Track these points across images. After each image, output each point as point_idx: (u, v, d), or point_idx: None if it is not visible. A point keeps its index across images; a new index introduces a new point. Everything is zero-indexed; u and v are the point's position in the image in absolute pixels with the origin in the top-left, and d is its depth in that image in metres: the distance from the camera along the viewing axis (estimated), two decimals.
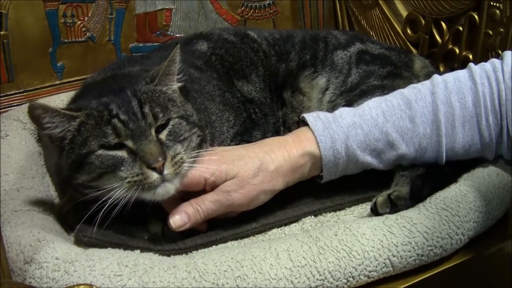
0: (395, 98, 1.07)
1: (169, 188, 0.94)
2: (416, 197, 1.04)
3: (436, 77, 1.08)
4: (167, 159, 0.92)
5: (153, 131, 0.94)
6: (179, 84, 1.02)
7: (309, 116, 1.06)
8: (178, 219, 0.96)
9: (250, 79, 1.27)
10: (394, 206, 1.02)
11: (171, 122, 0.96)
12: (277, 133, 1.27)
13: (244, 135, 1.19)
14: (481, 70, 1.05)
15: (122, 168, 0.92)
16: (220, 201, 0.98)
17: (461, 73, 1.07)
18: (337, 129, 1.04)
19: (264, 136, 1.22)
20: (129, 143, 0.93)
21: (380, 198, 1.04)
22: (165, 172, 0.92)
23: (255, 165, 1.00)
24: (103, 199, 0.92)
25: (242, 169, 0.99)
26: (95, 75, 1.20)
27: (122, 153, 0.93)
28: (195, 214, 0.97)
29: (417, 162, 1.07)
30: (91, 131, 0.93)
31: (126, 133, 0.92)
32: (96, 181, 0.94)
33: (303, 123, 1.08)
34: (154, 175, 0.92)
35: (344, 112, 1.07)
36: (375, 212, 1.03)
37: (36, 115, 0.93)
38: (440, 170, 1.09)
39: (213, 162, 0.99)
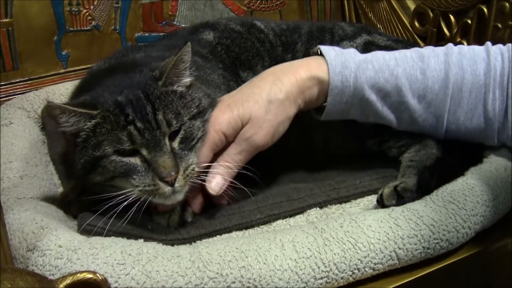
0: (409, 51, 1.08)
1: (179, 197, 0.95)
2: (423, 189, 1.03)
3: (450, 44, 1.09)
4: (179, 172, 0.93)
5: (167, 140, 0.93)
6: (191, 79, 1.00)
7: (322, 46, 1.07)
8: (215, 185, 0.99)
9: (256, 70, 1.26)
10: (401, 198, 1.01)
11: (184, 127, 0.96)
12: None
13: None
14: (496, 47, 1.06)
15: (135, 176, 0.93)
16: (245, 150, 1.00)
17: (476, 46, 1.08)
18: (349, 59, 1.04)
19: None
20: (144, 151, 0.92)
21: (387, 189, 1.03)
22: (176, 184, 0.92)
23: (265, 100, 1.01)
24: (114, 195, 0.92)
25: (254, 110, 1.00)
26: (100, 63, 1.19)
27: (135, 161, 0.93)
28: (228, 173, 1.00)
29: (418, 119, 1.07)
30: (107, 135, 0.92)
31: (141, 141, 0.92)
32: (109, 182, 0.95)
33: (315, 53, 1.08)
34: (166, 188, 0.92)
35: (357, 51, 1.08)
36: (381, 204, 1.03)
37: (53, 114, 0.92)
38: (447, 163, 1.09)
39: (223, 111, 1.01)
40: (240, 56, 1.27)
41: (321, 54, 1.06)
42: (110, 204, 0.92)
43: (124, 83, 0.97)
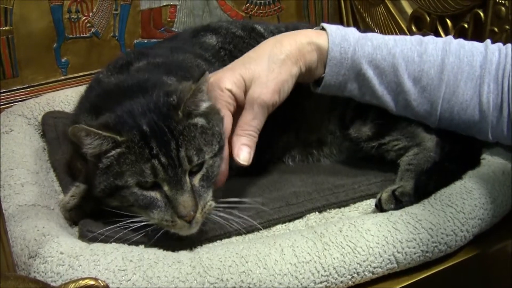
0: (408, 36, 1.11)
1: (194, 230, 0.95)
2: (420, 193, 1.03)
3: (450, 36, 1.12)
4: (197, 211, 0.93)
5: (187, 178, 0.93)
6: (208, 104, 0.99)
7: (325, 24, 1.10)
8: (243, 156, 1.01)
9: None
10: (399, 202, 1.02)
11: (205, 165, 0.96)
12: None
13: None
14: (495, 45, 1.08)
15: (154, 210, 0.93)
16: (258, 112, 1.02)
17: (476, 42, 1.10)
18: (349, 33, 1.07)
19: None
20: (165, 186, 0.93)
21: (385, 194, 1.04)
22: (194, 222, 0.93)
23: (266, 61, 1.04)
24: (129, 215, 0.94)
25: (256, 70, 1.03)
26: (106, 72, 1.17)
27: (155, 195, 0.93)
28: (250, 140, 1.02)
29: (413, 103, 1.08)
30: (130, 165, 0.92)
31: (163, 176, 0.92)
32: (126, 208, 0.95)
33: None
34: (183, 224, 0.93)
35: (357, 30, 1.10)
36: (379, 208, 1.03)
37: (78, 136, 0.92)
38: (445, 167, 1.09)
39: (225, 72, 1.03)
40: None
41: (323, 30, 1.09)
42: (124, 221, 0.94)
43: (143, 107, 0.96)
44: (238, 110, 1.04)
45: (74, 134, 0.92)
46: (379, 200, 1.04)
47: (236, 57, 1.24)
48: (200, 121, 0.97)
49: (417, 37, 1.10)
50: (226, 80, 1.02)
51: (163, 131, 0.93)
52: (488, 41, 1.09)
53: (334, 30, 1.07)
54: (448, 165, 1.10)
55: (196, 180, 0.95)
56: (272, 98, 1.03)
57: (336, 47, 1.06)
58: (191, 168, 0.94)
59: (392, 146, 1.16)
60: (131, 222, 0.93)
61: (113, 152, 0.93)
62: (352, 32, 1.08)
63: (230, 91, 1.01)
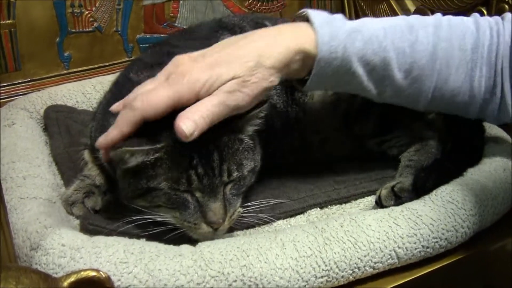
0: (397, 20, 1.03)
1: (217, 237, 0.95)
2: (419, 190, 1.03)
3: (440, 15, 1.05)
4: (226, 220, 0.94)
5: (222, 188, 0.94)
6: (257, 128, 0.99)
7: (310, 11, 1.00)
8: (186, 128, 0.87)
9: None
10: (398, 199, 1.02)
11: (240, 177, 0.96)
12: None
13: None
14: (485, 20, 1.03)
15: (182, 211, 0.93)
16: (224, 103, 0.90)
17: (466, 18, 1.04)
18: (338, 29, 0.98)
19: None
20: (197, 193, 0.93)
21: (384, 191, 1.04)
22: (220, 228, 0.94)
23: (251, 64, 0.93)
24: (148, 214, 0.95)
25: (238, 71, 0.91)
26: (135, 71, 1.10)
27: (187, 196, 0.93)
28: (201, 122, 0.88)
29: (401, 94, 1.03)
30: (166, 170, 0.91)
31: (197, 186, 0.92)
32: (152, 208, 0.95)
33: (302, 18, 1.02)
34: (208, 230, 0.93)
35: (344, 17, 1.01)
36: (379, 205, 1.03)
37: (122, 157, 0.91)
38: (444, 165, 1.09)
39: (204, 70, 0.91)
40: None
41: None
42: (139, 217, 0.94)
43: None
44: None
45: (117, 157, 0.91)
46: (379, 197, 1.04)
47: None
48: (246, 137, 0.97)
49: (407, 22, 1.02)
50: (201, 80, 0.91)
51: (207, 139, 0.91)
52: (477, 16, 1.04)
53: (322, 25, 0.97)
54: (448, 163, 1.10)
55: (228, 188, 0.95)
56: (246, 101, 0.93)
57: (325, 46, 0.96)
58: (228, 181, 0.94)
59: (395, 142, 1.17)
60: (144, 218, 0.94)
61: (150, 158, 0.92)
62: (341, 25, 0.98)
63: (197, 94, 0.91)
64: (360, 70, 0.99)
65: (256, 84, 0.93)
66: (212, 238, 0.94)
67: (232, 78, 0.91)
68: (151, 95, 0.90)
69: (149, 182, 0.92)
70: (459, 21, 1.03)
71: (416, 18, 1.04)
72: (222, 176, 0.93)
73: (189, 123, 0.87)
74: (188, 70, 0.91)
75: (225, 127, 0.93)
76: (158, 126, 0.91)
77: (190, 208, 0.93)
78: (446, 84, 1.02)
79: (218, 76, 0.91)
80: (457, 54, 1.01)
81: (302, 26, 0.99)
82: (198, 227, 0.93)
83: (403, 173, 1.09)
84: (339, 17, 1.01)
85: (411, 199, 1.02)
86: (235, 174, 0.94)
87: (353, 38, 0.97)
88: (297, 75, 1.00)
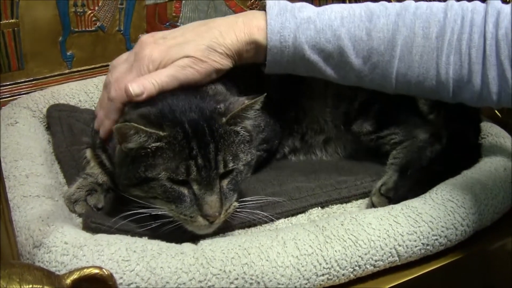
0: (359, 8, 1.05)
1: (211, 230, 0.96)
2: (404, 185, 1.05)
3: (410, 2, 1.06)
4: (222, 213, 0.94)
5: (218, 180, 0.94)
6: (253, 123, 1.01)
7: (269, 2, 1.05)
8: (135, 87, 0.98)
9: None
10: (389, 199, 1.03)
11: (236, 170, 0.97)
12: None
13: (268, 142, 1.20)
14: (459, 8, 1.02)
15: (178, 204, 0.94)
16: (174, 76, 1.01)
17: (437, 4, 1.04)
18: (290, 19, 1.03)
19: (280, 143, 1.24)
20: (195, 185, 0.93)
21: (374, 197, 1.06)
22: (216, 221, 0.94)
23: (205, 47, 1.02)
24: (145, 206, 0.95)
25: (192, 51, 1.02)
26: None
27: (183, 190, 0.93)
28: (150, 86, 0.99)
29: (365, 79, 1.05)
30: (166, 160, 0.92)
31: (195, 177, 0.92)
32: (147, 199, 0.96)
33: (263, 7, 1.07)
34: (204, 222, 0.94)
35: (307, 7, 1.06)
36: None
37: (125, 133, 0.92)
38: (432, 167, 1.11)
39: (161, 51, 1.02)
40: None
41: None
42: (137, 211, 0.94)
43: (186, 105, 0.97)
44: None
45: (121, 131, 0.92)
46: (372, 204, 1.06)
47: None
48: (242, 130, 0.98)
49: (368, 10, 1.04)
50: (156, 60, 1.02)
51: (204, 131, 0.93)
52: (450, 3, 1.03)
53: (274, 16, 1.03)
54: (438, 165, 1.11)
55: (225, 182, 0.96)
56: (195, 77, 1.02)
57: (275, 36, 1.02)
58: (223, 172, 0.95)
59: (388, 140, 1.18)
60: (141, 212, 0.94)
61: (153, 145, 0.92)
62: (293, 16, 1.03)
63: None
64: (314, 57, 1.04)
65: (207, 63, 1.02)
66: (208, 231, 0.95)
67: (185, 57, 1.01)
68: (121, 83, 1.01)
69: (147, 172, 0.93)
70: (426, 7, 1.04)
71: (380, 5, 1.06)
72: (218, 168, 0.93)
73: (136, 86, 0.98)
74: (149, 53, 1.02)
75: (221, 120, 0.95)
76: (165, 114, 0.95)
77: (186, 201, 0.93)
78: (410, 70, 1.03)
79: (173, 55, 1.02)
80: (420, 41, 1.02)
81: (257, 16, 1.05)
82: (194, 220, 0.93)
83: (388, 171, 1.11)
84: (298, 6, 1.05)
85: (402, 195, 1.03)
86: (230, 165, 0.95)
87: (304, 28, 1.03)
88: (255, 60, 1.07)
